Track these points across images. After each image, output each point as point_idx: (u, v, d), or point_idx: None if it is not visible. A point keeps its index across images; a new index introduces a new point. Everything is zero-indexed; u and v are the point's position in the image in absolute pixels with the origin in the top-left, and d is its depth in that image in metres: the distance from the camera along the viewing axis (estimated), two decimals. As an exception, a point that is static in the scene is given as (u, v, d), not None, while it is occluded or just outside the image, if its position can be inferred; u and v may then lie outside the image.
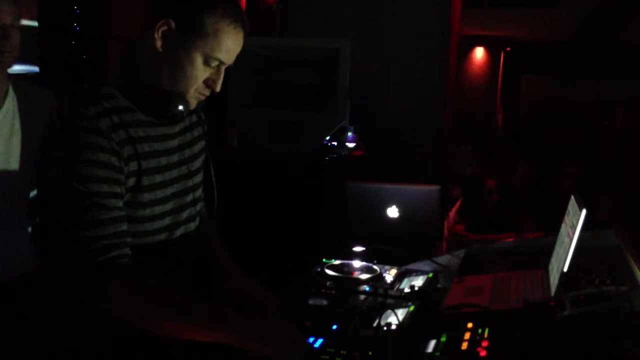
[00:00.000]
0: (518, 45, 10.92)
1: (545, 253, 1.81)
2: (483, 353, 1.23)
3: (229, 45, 1.30)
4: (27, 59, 2.65)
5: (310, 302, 1.58)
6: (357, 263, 1.92)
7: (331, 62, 2.91)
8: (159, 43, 1.27)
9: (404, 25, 4.23)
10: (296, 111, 2.93)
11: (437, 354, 1.25)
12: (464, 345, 1.28)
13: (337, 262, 1.92)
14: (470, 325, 1.38)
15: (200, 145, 1.51)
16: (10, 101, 1.95)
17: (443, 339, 1.32)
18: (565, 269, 1.51)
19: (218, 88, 1.35)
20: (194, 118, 1.50)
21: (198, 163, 1.49)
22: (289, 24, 4.27)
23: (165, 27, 1.26)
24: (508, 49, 10.99)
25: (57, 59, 2.96)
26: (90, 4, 3.19)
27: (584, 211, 1.53)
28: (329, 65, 2.92)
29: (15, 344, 1.81)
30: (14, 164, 1.96)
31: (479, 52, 10.54)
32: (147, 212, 1.32)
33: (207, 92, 1.35)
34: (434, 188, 2.45)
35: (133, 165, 1.28)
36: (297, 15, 4.29)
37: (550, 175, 5.61)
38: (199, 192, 1.51)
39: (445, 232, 4.68)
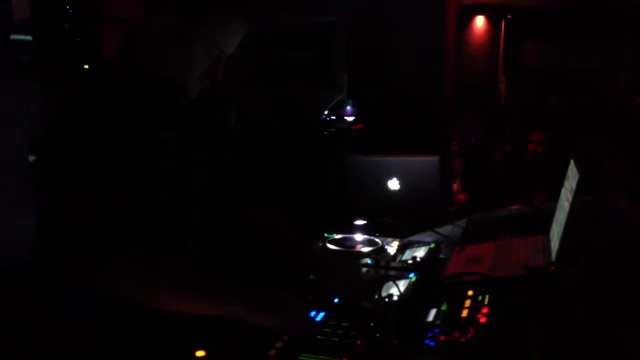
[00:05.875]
0: (519, 13, 10.77)
1: (546, 219, 1.81)
2: (483, 319, 1.23)
3: (231, 35, 1.29)
4: (20, 42, 2.63)
5: (312, 276, 1.59)
6: (358, 236, 1.92)
7: (328, 36, 2.89)
8: (159, 31, 1.26)
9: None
10: (294, 87, 2.91)
11: (438, 322, 1.26)
12: (464, 313, 1.28)
13: (339, 236, 1.93)
14: (470, 293, 1.38)
15: (208, 137, 1.47)
16: None
17: (443, 307, 1.33)
18: (566, 234, 1.50)
19: (219, 77, 1.33)
20: (204, 109, 1.47)
21: (202, 155, 1.46)
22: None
23: (167, 16, 1.24)
24: (509, 16, 10.85)
25: (50, 42, 2.94)
26: (83, -14, 3.15)
27: (577, 175, 1.51)
28: (326, 40, 2.89)
29: (17, 327, 1.83)
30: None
31: (480, 21, 10.40)
32: (140, 200, 1.31)
33: (208, 81, 1.33)
34: (434, 159, 2.44)
35: (125, 153, 1.27)
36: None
37: (565, 146, 5.51)
38: (200, 183, 1.47)
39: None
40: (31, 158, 2.06)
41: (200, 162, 1.45)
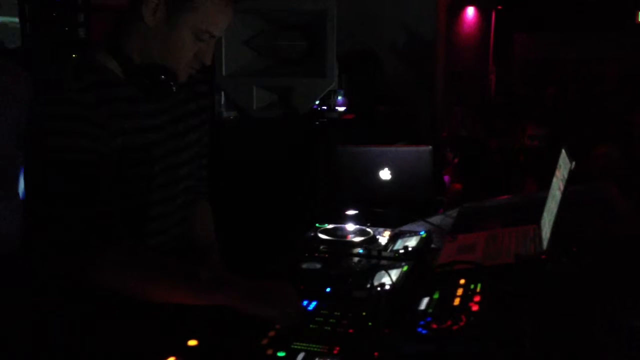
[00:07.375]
0: (509, 4, 10.80)
1: (538, 208, 1.81)
2: (475, 307, 1.23)
3: (219, 18, 1.29)
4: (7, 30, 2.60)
5: (304, 266, 1.58)
6: (350, 226, 1.92)
7: (318, 24, 2.86)
8: (148, 17, 1.26)
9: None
10: (284, 76, 2.89)
11: (430, 310, 1.26)
12: (456, 301, 1.28)
13: (331, 226, 1.92)
14: (462, 281, 1.38)
15: (195, 121, 1.48)
16: None
17: (436, 296, 1.33)
18: (556, 222, 1.50)
19: (209, 61, 1.34)
20: (190, 93, 1.47)
21: (190, 139, 1.46)
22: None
23: (154, 1, 1.24)
24: (499, 7, 10.87)
25: (39, 31, 2.91)
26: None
27: (568, 164, 1.52)
28: (316, 28, 2.87)
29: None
30: None
31: (470, 12, 10.43)
32: (133, 188, 1.31)
33: (197, 65, 1.34)
34: (426, 148, 2.44)
35: (119, 141, 1.27)
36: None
37: (556, 136, 5.53)
38: (189, 169, 1.48)
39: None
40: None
41: (187, 147, 1.45)
